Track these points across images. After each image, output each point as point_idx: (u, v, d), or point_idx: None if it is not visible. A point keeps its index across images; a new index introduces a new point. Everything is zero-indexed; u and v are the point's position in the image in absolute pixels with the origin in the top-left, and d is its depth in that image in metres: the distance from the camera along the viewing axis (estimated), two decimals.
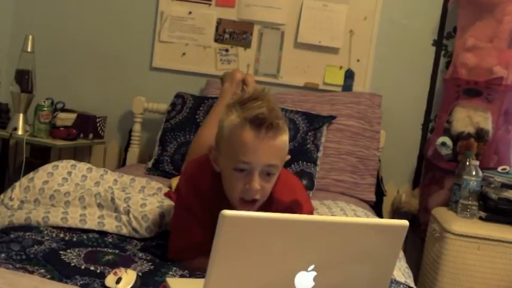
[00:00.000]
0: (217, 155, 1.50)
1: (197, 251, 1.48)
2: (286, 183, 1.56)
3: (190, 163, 1.79)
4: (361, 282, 1.12)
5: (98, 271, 1.35)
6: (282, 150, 1.46)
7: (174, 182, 2.14)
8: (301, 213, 1.54)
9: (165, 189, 2.05)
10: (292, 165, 2.44)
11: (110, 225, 1.68)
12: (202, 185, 1.54)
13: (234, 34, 2.96)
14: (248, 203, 1.45)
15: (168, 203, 1.80)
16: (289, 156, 1.54)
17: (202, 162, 1.59)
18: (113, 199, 1.76)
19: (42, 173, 1.90)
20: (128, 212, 1.71)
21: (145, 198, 1.78)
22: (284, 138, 1.46)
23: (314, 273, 1.06)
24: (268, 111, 1.40)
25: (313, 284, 1.06)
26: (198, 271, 1.42)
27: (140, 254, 1.54)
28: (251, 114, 1.40)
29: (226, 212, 0.97)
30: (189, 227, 1.52)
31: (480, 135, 2.55)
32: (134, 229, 1.67)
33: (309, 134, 2.53)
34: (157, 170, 2.51)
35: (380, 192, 2.75)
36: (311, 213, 1.64)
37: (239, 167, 1.42)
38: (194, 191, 1.54)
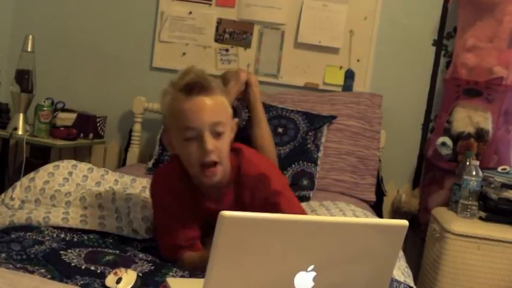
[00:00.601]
0: (168, 137, 1.54)
1: (183, 249, 1.51)
2: (250, 159, 1.60)
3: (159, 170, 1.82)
4: (361, 282, 1.12)
5: (98, 271, 1.35)
6: (221, 108, 1.50)
7: None
8: (270, 186, 1.55)
9: None
10: (293, 165, 2.45)
11: (111, 226, 1.68)
12: (172, 181, 1.57)
13: (234, 34, 2.96)
14: (210, 169, 1.47)
15: None
16: (236, 120, 1.58)
17: (169, 161, 1.63)
18: (113, 200, 1.76)
19: (43, 173, 1.90)
20: (128, 213, 1.71)
21: (146, 200, 1.78)
22: (220, 98, 1.51)
23: (314, 274, 1.06)
24: (197, 77, 1.48)
25: (312, 284, 1.06)
26: (191, 266, 1.43)
27: (141, 255, 1.54)
28: (181, 84, 1.47)
29: (226, 213, 0.97)
30: (170, 228, 1.55)
31: (480, 135, 2.55)
32: (134, 230, 1.67)
33: (309, 133, 2.53)
34: None
35: (380, 192, 2.75)
36: (284, 185, 1.65)
37: (187, 136, 1.46)
38: (167, 190, 1.56)
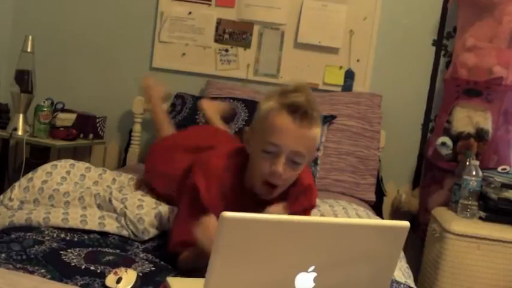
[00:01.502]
0: (250, 135, 1.53)
1: (190, 247, 1.47)
2: (306, 168, 1.60)
3: (206, 155, 1.67)
4: (361, 283, 1.12)
5: (98, 271, 1.35)
6: (312, 142, 1.49)
7: None
8: (310, 199, 1.60)
9: None
10: None
11: (111, 225, 1.68)
12: (224, 178, 1.54)
13: (234, 34, 2.96)
14: (269, 187, 1.48)
15: (164, 204, 1.80)
16: (318, 153, 1.57)
17: (224, 155, 1.60)
18: (110, 200, 1.76)
19: (41, 173, 1.90)
20: (124, 214, 1.70)
21: (142, 199, 1.78)
22: (316, 131, 1.49)
23: (314, 274, 1.06)
24: (306, 101, 1.46)
25: (313, 285, 1.06)
26: (185, 262, 1.42)
27: (141, 255, 1.54)
28: (289, 101, 1.45)
29: (226, 214, 0.97)
30: (189, 224, 1.47)
31: (480, 135, 2.55)
32: (132, 231, 1.67)
33: None
34: None
35: (380, 192, 2.75)
36: (315, 197, 1.67)
37: (267, 149, 1.45)
38: (214, 186, 1.52)
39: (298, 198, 1.57)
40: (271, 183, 1.47)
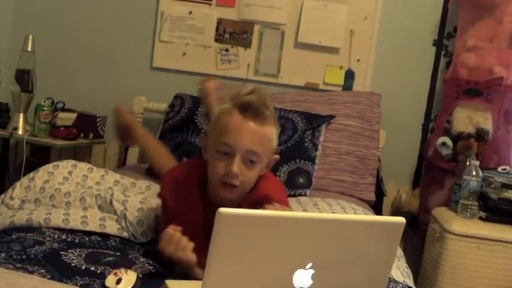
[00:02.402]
0: (205, 141, 1.54)
1: None
2: (266, 185, 1.57)
3: (173, 168, 1.76)
4: (359, 279, 1.12)
5: (98, 271, 1.35)
6: (266, 140, 1.49)
7: None
8: (265, 203, 1.52)
9: None
10: (289, 163, 2.42)
11: (111, 227, 1.68)
12: (186, 187, 1.55)
13: (234, 34, 2.96)
14: (228, 187, 1.47)
15: None
16: (277, 156, 1.57)
17: (185, 164, 1.61)
18: (111, 201, 1.76)
19: (42, 173, 1.90)
20: (124, 216, 1.70)
21: (143, 202, 1.78)
22: (270, 129, 1.49)
23: (312, 271, 1.06)
24: (258, 101, 1.46)
25: (311, 281, 1.06)
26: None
27: (142, 259, 1.54)
28: (240, 101, 1.46)
29: (223, 210, 0.97)
30: None
31: (480, 135, 2.55)
32: (132, 234, 1.67)
33: (307, 132, 2.53)
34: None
35: (380, 193, 2.75)
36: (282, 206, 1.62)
37: (222, 150, 1.46)
38: (178, 195, 1.54)
39: (253, 206, 1.52)
40: (229, 184, 1.46)
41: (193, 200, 1.54)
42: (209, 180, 1.53)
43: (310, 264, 1.05)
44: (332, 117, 2.62)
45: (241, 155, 1.45)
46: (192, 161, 1.62)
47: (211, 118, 1.55)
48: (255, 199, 1.53)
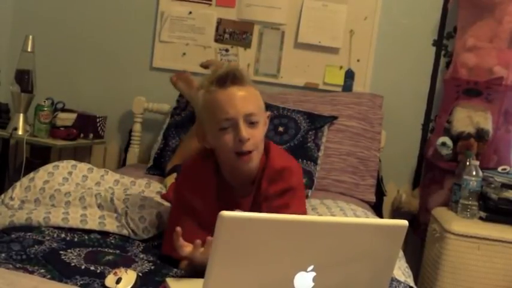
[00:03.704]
0: (203, 132, 1.56)
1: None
2: (280, 153, 1.64)
3: (187, 161, 1.80)
4: (361, 282, 1.12)
5: (98, 271, 1.35)
6: (255, 98, 1.53)
7: (169, 181, 2.14)
8: (287, 180, 1.58)
9: (164, 191, 2.05)
10: None
11: (111, 225, 1.68)
12: (203, 176, 1.56)
13: (234, 34, 2.96)
14: (244, 157, 1.50)
15: (166, 204, 1.80)
16: (269, 113, 1.61)
17: (195, 159, 1.63)
18: (112, 200, 1.76)
19: (43, 173, 1.90)
20: (125, 213, 1.71)
21: (144, 199, 1.78)
22: (252, 89, 1.53)
23: (313, 274, 1.06)
24: (230, 69, 1.50)
25: (312, 284, 1.06)
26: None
27: (141, 255, 1.54)
28: (216, 77, 1.50)
29: (225, 213, 0.97)
30: (186, 228, 1.52)
31: (480, 135, 2.55)
32: (132, 230, 1.67)
33: (310, 133, 2.53)
34: (157, 169, 2.51)
35: (380, 193, 2.75)
36: (300, 184, 1.66)
37: (223, 126, 1.48)
38: (195, 186, 1.55)
39: (275, 180, 1.57)
40: (245, 151, 1.49)
41: (211, 188, 1.55)
42: (222, 162, 1.55)
43: (311, 267, 1.05)
44: (334, 118, 2.62)
45: (243, 121, 1.48)
46: (202, 152, 1.62)
47: (197, 107, 1.58)
48: (272, 174, 1.56)
